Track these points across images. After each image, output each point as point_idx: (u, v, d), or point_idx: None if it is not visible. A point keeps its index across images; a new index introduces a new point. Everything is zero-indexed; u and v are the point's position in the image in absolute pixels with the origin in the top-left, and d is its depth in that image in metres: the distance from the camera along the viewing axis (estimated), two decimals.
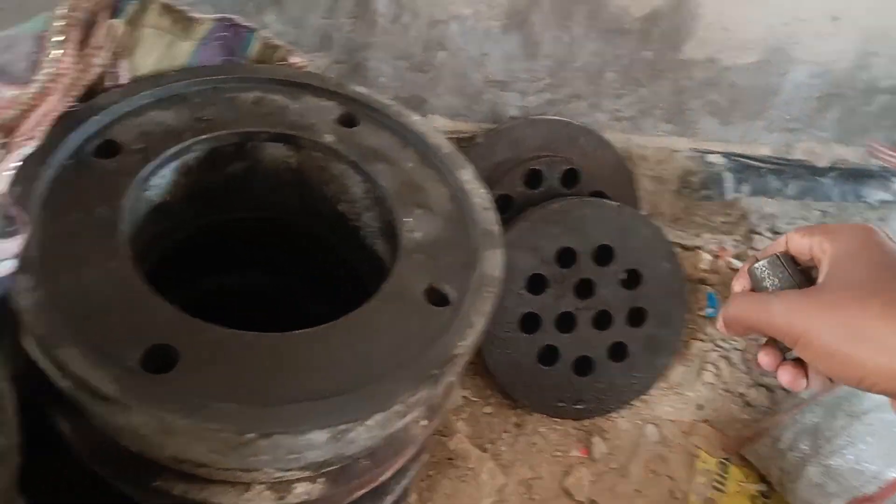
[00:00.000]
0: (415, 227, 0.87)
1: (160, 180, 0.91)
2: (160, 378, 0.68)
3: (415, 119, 0.98)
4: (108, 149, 0.86)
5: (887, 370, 0.53)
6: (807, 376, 0.64)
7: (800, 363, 0.64)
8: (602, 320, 1.48)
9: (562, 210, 1.42)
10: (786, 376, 0.64)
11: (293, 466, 0.77)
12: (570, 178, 1.53)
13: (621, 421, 1.53)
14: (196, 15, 0.92)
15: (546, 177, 1.51)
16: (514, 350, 1.46)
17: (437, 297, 0.81)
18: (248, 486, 0.80)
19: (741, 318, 0.62)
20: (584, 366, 1.48)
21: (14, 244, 0.66)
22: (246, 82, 0.97)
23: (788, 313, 0.58)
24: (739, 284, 0.68)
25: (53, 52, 0.82)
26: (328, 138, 0.94)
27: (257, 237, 1.08)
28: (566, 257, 1.44)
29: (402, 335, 0.77)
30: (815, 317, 0.56)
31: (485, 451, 1.40)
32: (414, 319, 0.79)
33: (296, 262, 1.11)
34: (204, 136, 0.90)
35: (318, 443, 0.70)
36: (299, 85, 0.98)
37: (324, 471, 0.81)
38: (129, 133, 0.88)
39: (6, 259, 0.67)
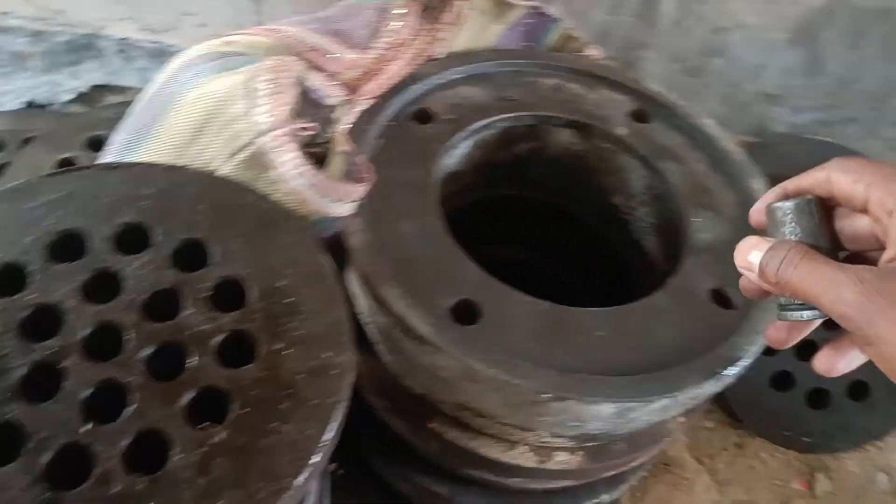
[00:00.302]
0: (702, 229, 0.88)
1: (459, 150, 0.97)
2: (467, 329, 0.74)
3: (707, 122, 0.98)
4: (424, 116, 0.93)
5: None
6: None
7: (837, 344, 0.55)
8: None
9: None
10: (824, 360, 0.55)
11: (565, 434, 0.80)
12: None
13: (850, 462, 1.45)
14: (512, 1, 0.98)
15: None
16: (748, 369, 1.42)
17: (722, 300, 0.82)
18: (513, 444, 0.85)
19: (801, 289, 0.51)
20: (819, 398, 1.41)
21: (360, 190, 0.74)
22: (547, 69, 1.01)
23: (864, 309, 0.47)
24: (755, 219, 0.59)
25: (393, 23, 0.90)
26: (621, 131, 0.96)
27: (526, 215, 1.12)
28: None
29: (687, 330, 0.78)
30: (890, 321, 0.45)
31: (702, 464, 1.38)
32: (699, 317, 0.80)
33: (557, 242, 1.15)
34: (507, 115, 0.96)
35: (603, 415, 0.73)
36: (597, 77, 1.02)
37: (586, 444, 0.84)
38: (441, 104, 0.95)
39: (351, 202, 0.74)
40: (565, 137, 1.01)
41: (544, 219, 1.12)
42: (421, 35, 0.88)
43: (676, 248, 0.92)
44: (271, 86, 0.71)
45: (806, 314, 0.55)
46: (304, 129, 0.71)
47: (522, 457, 0.84)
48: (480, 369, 0.70)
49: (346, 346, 0.66)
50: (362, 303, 0.80)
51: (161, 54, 1.54)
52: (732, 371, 0.76)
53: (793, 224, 0.55)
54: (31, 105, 1.73)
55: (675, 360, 0.75)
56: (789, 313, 0.56)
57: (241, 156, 0.73)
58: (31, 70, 1.66)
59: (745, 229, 0.88)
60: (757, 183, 0.92)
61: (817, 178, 0.55)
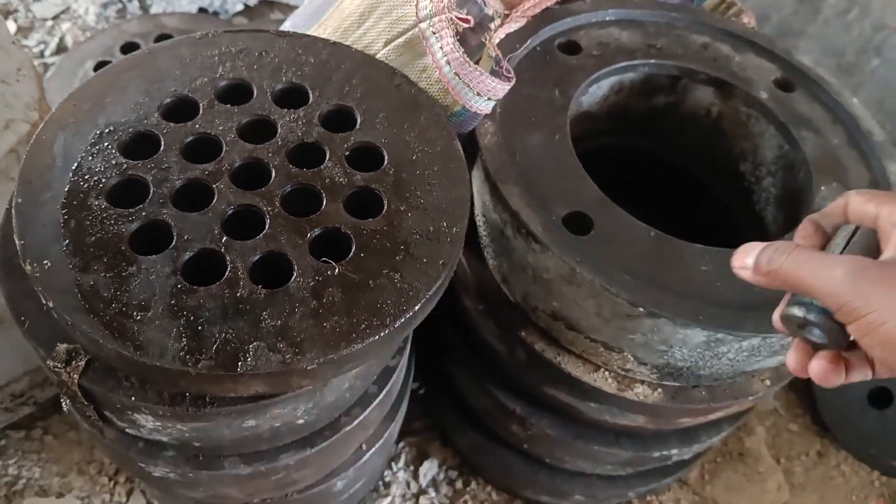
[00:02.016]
0: (828, 198, 0.87)
1: (597, 90, 1.00)
2: (577, 238, 0.77)
3: (853, 102, 0.97)
4: (571, 47, 0.96)
5: None
6: (846, 369, 0.55)
7: (836, 355, 0.55)
8: None
9: None
10: (818, 369, 0.55)
11: (649, 362, 0.82)
12: None
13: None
14: None
15: None
16: None
17: None
18: (597, 367, 0.87)
19: (792, 274, 0.53)
20: None
21: (504, 88, 0.78)
22: (699, 25, 1.02)
23: (854, 283, 0.49)
24: (801, 235, 0.59)
25: None
26: (762, 95, 0.97)
27: (647, 171, 1.14)
28: None
29: None
30: (889, 301, 0.48)
31: (778, 462, 1.36)
32: None
33: (672, 203, 1.16)
34: (652, 61, 0.98)
35: (692, 342, 0.75)
36: (747, 41, 1.02)
37: (667, 382, 0.86)
38: (590, 39, 0.98)
39: (490, 98, 0.79)
40: (705, 96, 1.02)
41: (665, 178, 1.13)
42: None
43: (797, 219, 0.92)
44: None
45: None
46: (463, 18, 0.75)
47: (604, 381, 0.86)
48: (582, 272, 0.73)
49: (461, 220, 0.71)
50: (480, 201, 0.85)
51: None
52: None
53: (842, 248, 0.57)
54: (203, 10, 1.86)
55: (773, 303, 0.76)
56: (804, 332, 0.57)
57: (400, 40, 0.79)
58: None
59: None
60: (894, 165, 0.90)
61: (839, 204, 0.59)
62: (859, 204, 0.57)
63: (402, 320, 0.64)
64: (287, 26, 0.99)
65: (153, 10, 1.85)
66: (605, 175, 1.12)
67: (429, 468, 1.27)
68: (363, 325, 0.63)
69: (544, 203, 0.79)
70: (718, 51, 1.01)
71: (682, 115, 1.05)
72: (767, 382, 0.90)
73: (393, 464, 1.27)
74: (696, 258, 0.79)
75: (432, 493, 1.25)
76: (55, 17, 1.86)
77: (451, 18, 0.74)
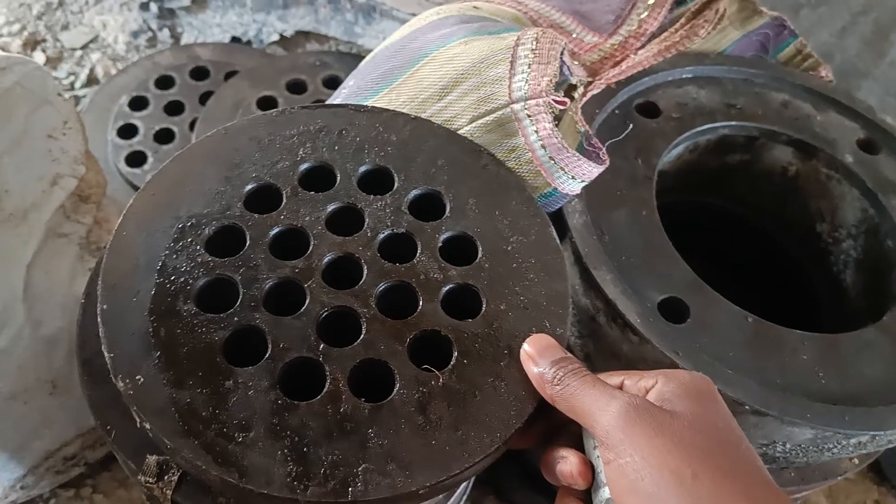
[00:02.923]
0: None
1: (674, 150, 0.96)
2: (674, 326, 0.74)
3: None
4: (650, 110, 0.93)
5: None
6: None
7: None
8: None
9: None
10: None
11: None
12: None
13: None
14: (763, 9, 0.96)
15: None
16: None
17: None
18: None
19: (571, 396, 0.55)
20: None
21: (597, 171, 0.75)
22: (777, 82, 0.99)
23: (622, 423, 0.50)
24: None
25: (639, 13, 0.90)
26: (847, 158, 0.93)
27: (720, 228, 1.10)
28: None
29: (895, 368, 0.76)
30: (659, 447, 0.47)
31: None
32: None
33: (745, 263, 1.12)
34: (732, 123, 0.94)
35: (797, 439, 0.72)
36: (828, 99, 0.98)
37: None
38: (668, 100, 0.94)
39: (583, 181, 0.76)
40: (783, 156, 0.99)
41: (740, 236, 1.10)
42: (676, 28, 0.88)
43: (884, 286, 0.89)
44: (536, 55, 0.72)
45: None
46: (560, 102, 0.72)
47: None
48: (682, 365, 0.70)
49: (564, 318, 0.67)
50: (573, 283, 0.81)
51: (370, 10, 1.60)
52: None
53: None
54: (236, 40, 1.83)
55: (883, 399, 0.73)
56: None
57: (489, 118, 0.75)
58: (244, 7, 1.76)
59: None
60: None
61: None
62: (610, 379, 0.57)
63: (511, 433, 0.61)
64: (349, 85, 0.96)
65: (184, 40, 1.82)
66: (678, 234, 1.09)
67: None
68: (472, 443, 0.60)
69: (637, 288, 0.75)
70: (800, 109, 0.98)
71: (757, 173, 1.01)
72: (856, 461, 0.87)
73: None
74: (795, 345, 0.75)
75: None
76: (84, 47, 1.82)
77: (549, 102, 0.71)
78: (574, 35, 0.90)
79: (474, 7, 0.89)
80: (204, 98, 1.59)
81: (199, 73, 1.66)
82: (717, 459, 0.48)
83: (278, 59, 1.66)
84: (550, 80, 0.71)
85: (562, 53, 0.73)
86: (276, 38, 1.76)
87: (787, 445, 0.74)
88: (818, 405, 0.70)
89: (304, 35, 1.77)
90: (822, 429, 0.70)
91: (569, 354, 0.60)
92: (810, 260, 1.03)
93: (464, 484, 0.86)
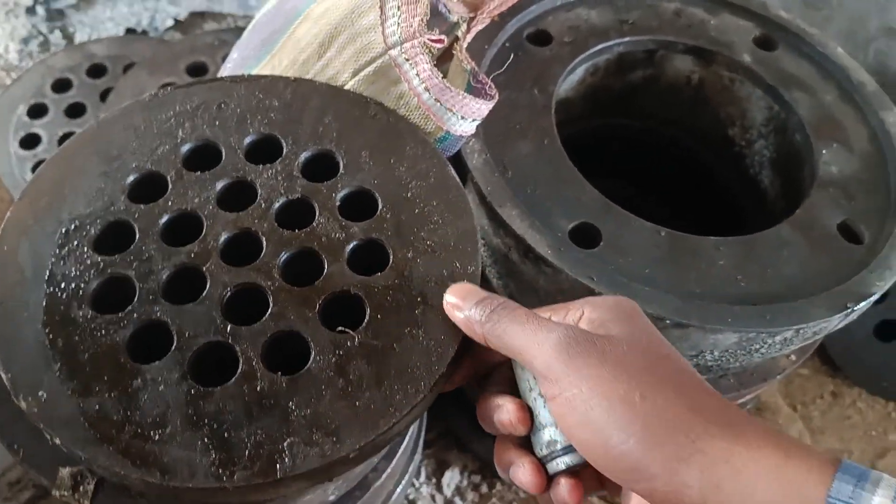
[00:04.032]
0: (831, 161, 0.85)
1: (573, 76, 0.95)
2: (587, 252, 0.73)
3: (839, 52, 0.93)
4: (541, 38, 0.91)
5: (674, 472, 0.44)
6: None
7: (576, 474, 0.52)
8: None
9: None
10: (565, 495, 0.52)
11: None
12: None
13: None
14: None
15: None
16: None
17: (850, 234, 0.79)
18: None
19: (504, 333, 0.52)
20: None
21: (486, 108, 0.73)
22: None
23: (566, 347, 0.48)
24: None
25: None
26: (745, 58, 0.93)
27: (634, 147, 1.10)
28: None
29: (812, 263, 0.76)
30: (602, 374, 0.47)
31: (795, 410, 1.36)
32: (825, 251, 0.77)
33: (663, 177, 1.13)
34: (626, 39, 0.93)
35: (723, 344, 0.72)
36: (720, 1, 0.98)
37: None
38: (559, 25, 0.93)
39: (474, 119, 0.74)
40: (684, 65, 0.98)
41: (653, 152, 1.10)
42: None
43: (798, 182, 0.89)
44: None
45: (566, 460, 0.52)
46: (436, 40, 0.70)
47: None
48: (601, 292, 0.69)
49: (474, 256, 0.66)
50: (482, 224, 0.80)
51: None
52: (862, 306, 0.73)
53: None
54: (131, 31, 1.76)
55: (801, 293, 0.73)
56: (551, 464, 0.53)
57: (370, 69, 0.73)
58: None
59: (877, 165, 0.85)
60: (891, 116, 0.88)
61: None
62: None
63: (436, 380, 0.60)
64: (233, 58, 0.92)
65: (78, 39, 1.75)
66: (591, 159, 1.08)
67: (451, 478, 1.24)
68: (398, 396, 0.59)
69: (546, 219, 0.75)
70: (693, 16, 0.97)
71: (663, 87, 1.01)
72: (793, 358, 0.88)
73: (415, 480, 1.24)
74: (711, 252, 0.75)
75: (459, 503, 1.23)
76: None
77: (424, 42, 0.69)
78: None
79: None
80: (105, 95, 1.53)
81: (97, 71, 1.59)
82: (659, 377, 0.47)
83: (176, 44, 1.60)
84: (422, 20, 0.69)
85: None
86: (171, 23, 1.70)
87: (716, 353, 0.74)
88: (738, 308, 0.70)
89: (199, 16, 1.71)
90: (745, 331, 0.70)
91: (492, 294, 0.58)
92: (728, 166, 1.03)
93: (411, 437, 0.85)
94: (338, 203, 0.68)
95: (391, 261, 0.65)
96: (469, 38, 0.82)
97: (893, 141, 0.86)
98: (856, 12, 1.31)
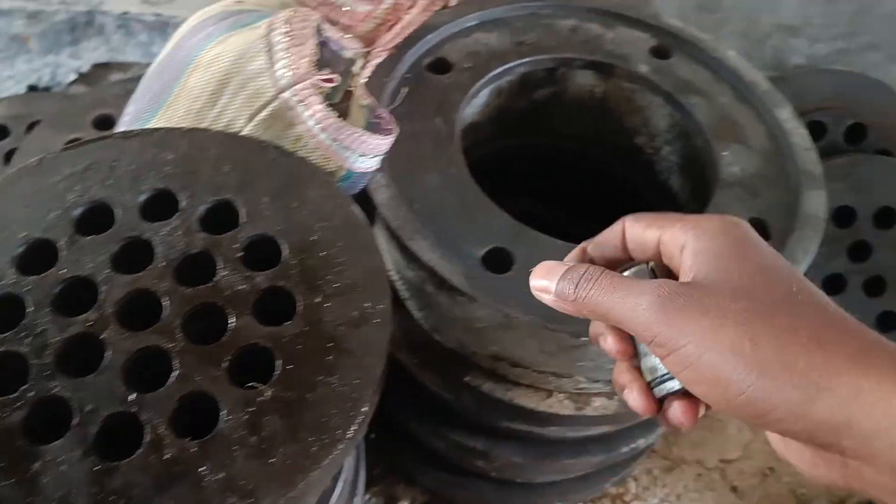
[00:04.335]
0: (733, 162, 0.86)
1: (478, 100, 0.95)
2: (500, 277, 0.73)
3: (730, 54, 0.96)
4: (441, 66, 0.91)
5: (806, 410, 0.41)
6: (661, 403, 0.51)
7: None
8: (874, 286, 1.40)
9: (845, 166, 1.35)
10: (680, 416, 0.49)
11: (602, 378, 0.80)
12: (856, 133, 1.44)
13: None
14: None
15: (830, 130, 1.43)
16: None
17: (758, 231, 0.80)
18: (551, 392, 0.84)
19: (600, 305, 0.49)
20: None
21: (387, 143, 0.72)
22: (563, 10, 0.99)
23: (663, 311, 0.45)
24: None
25: None
26: (642, 68, 0.94)
27: (547, 164, 1.11)
28: (844, 216, 1.37)
29: None
30: (706, 328, 0.44)
31: None
32: None
33: (578, 192, 1.13)
34: (525, 59, 0.93)
35: (641, 353, 0.72)
36: (615, 15, 0.99)
37: None
38: (458, 52, 0.93)
39: (378, 155, 0.73)
40: (586, 80, 0.99)
41: (565, 167, 1.11)
42: None
43: (704, 184, 0.91)
44: (290, 37, 0.69)
45: (668, 386, 0.50)
46: (327, 80, 0.69)
47: (560, 405, 0.83)
48: (517, 316, 0.69)
49: (384, 294, 0.65)
50: (390, 258, 0.79)
51: (164, 27, 1.52)
52: None
53: None
54: (33, 89, 1.71)
55: None
56: (657, 388, 0.52)
57: (264, 113, 0.72)
58: (30, 53, 1.64)
59: (776, 161, 0.87)
60: (784, 112, 0.90)
61: (614, 230, 0.55)
62: (639, 231, 0.53)
63: (355, 426, 0.59)
64: (129, 112, 0.90)
65: None
66: (505, 179, 1.08)
67: None
68: (314, 448, 0.57)
69: (457, 248, 0.74)
70: (589, 31, 0.98)
71: (568, 103, 1.01)
72: None
73: None
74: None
75: None
76: None
77: (315, 83, 0.68)
78: (346, 7, 0.87)
79: (237, 1, 0.85)
80: (9, 157, 1.48)
81: None
82: (770, 317, 0.44)
83: (80, 98, 1.56)
84: (311, 61, 0.68)
85: (318, 30, 0.70)
86: (74, 77, 1.65)
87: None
88: None
89: (104, 67, 1.67)
90: None
91: (574, 263, 0.54)
92: (639, 175, 1.05)
93: (346, 482, 0.83)
94: (240, 254, 0.67)
95: (299, 308, 0.64)
96: (367, 73, 0.82)
97: (788, 136, 0.88)
98: (748, 12, 1.35)
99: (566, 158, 1.10)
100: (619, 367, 0.54)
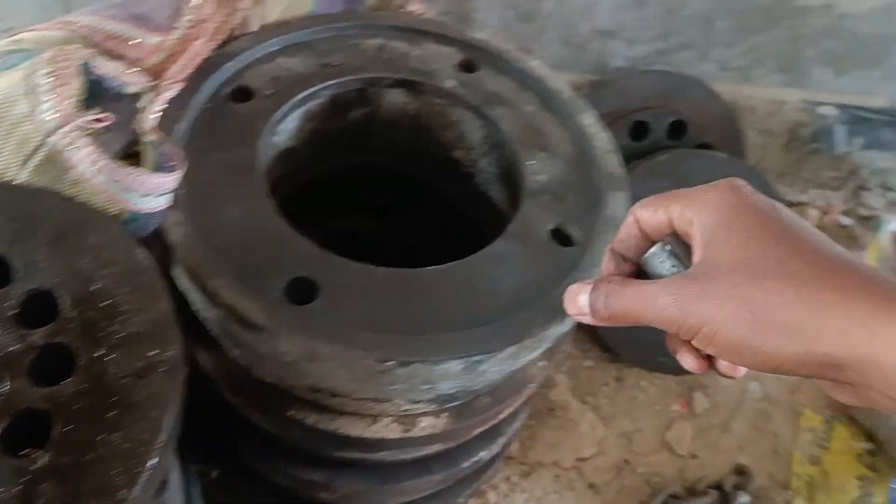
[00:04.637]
0: (538, 170, 0.88)
1: (287, 125, 0.94)
2: (304, 308, 0.71)
3: (534, 64, 0.98)
4: (243, 93, 0.89)
5: (808, 358, 0.47)
6: (711, 360, 0.57)
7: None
8: None
9: (669, 162, 1.41)
10: (689, 361, 0.57)
11: (423, 399, 0.80)
12: (677, 130, 1.51)
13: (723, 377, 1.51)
14: None
15: (653, 129, 1.49)
16: None
17: (563, 238, 0.82)
18: (376, 418, 0.83)
19: (629, 313, 0.55)
20: None
21: (172, 180, 0.70)
22: (368, 29, 0.99)
23: (679, 305, 0.51)
24: (607, 268, 0.61)
25: (194, 0, 0.85)
26: (449, 83, 0.95)
27: (373, 183, 1.10)
28: None
29: (530, 273, 0.79)
30: (712, 308, 0.50)
31: (585, 403, 1.41)
32: (541, 258, 0.80)
33: (408, 207, 1.14)
34: (331, 82, 0.93)
35: (452, 373, 0.72)
36: (420, 31, 1.00)
37: (448, 405, 0.84)
38: (260, 79, 0.91)
39: (164, 193, 0.70)
40: (399, 98, 0.99)
41: (391, 185, 1.11)
42: (220, 7, 0.84)
43: (519, 193, 0.92)
44: (54, 78, 0.65)
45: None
46: (96, 120, 0.66)
47: (387, 429, 0.83)
48: (320, 347, 0.68)
49: (172, 340, 0.63)
50: (195, 298, 0.77)
51: None
52: None
53: (671, 261, 0.56)
54: None
55: (520, 306, 0.75)
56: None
57: (36, 159, 0.68)
58: None
59: (581, 167, 0.90)
60: (587, 118, 0.93)
61: (628, 223, 0.59)
62: (649, 216, 0.57)
63: (140, 483, 0.56)
64: None
65: None
66: (331, 201, 1.07)
67: None
68: None
69: (259, 280, 0.72)
70: (395, 50, 0.98)
71: (383, 122, 1.01)
72: (542, 364, 0.90)
73: None
74: (432, 283, 0.76)
75: None
76: None
77: (82, 125, 0.65)
78: (136, 40, 0.83)
79: (13, 41, 0.80)
80: None
81: None
82: (762, 282, 0.49)
83: None
84: (77, 101, 0.65)
85: (89, 67, 0.67)
86: None
87: (448, 382, 0.74)
88: (461, 335, 0.71)
89: None
90: (468, 356, 0.71)
91: (590, 280, 0.59)
92: (461, 187, 1.06)
93: None
94: (14, 311, 0.63)
95: (80, 363, 0.61)
96: (157, 107, 0.79)
97: (591, 141, 0.90)
98: (566, 20, 1.40)
99: (390, 175, 1.10)
100: (669, 337, 0.58)
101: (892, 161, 1.84)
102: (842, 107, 1.72)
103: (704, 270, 0.52)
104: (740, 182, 0.54)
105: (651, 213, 0.57)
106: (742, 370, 0.56)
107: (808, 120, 1.72)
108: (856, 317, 0.46)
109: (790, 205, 1.77)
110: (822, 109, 1.71)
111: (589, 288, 0.58)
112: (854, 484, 1.46)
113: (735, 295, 0.49)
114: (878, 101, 1.74)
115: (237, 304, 0.70)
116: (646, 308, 0.53)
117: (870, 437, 1.52)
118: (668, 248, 0.56)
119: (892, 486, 0.47)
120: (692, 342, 0.52)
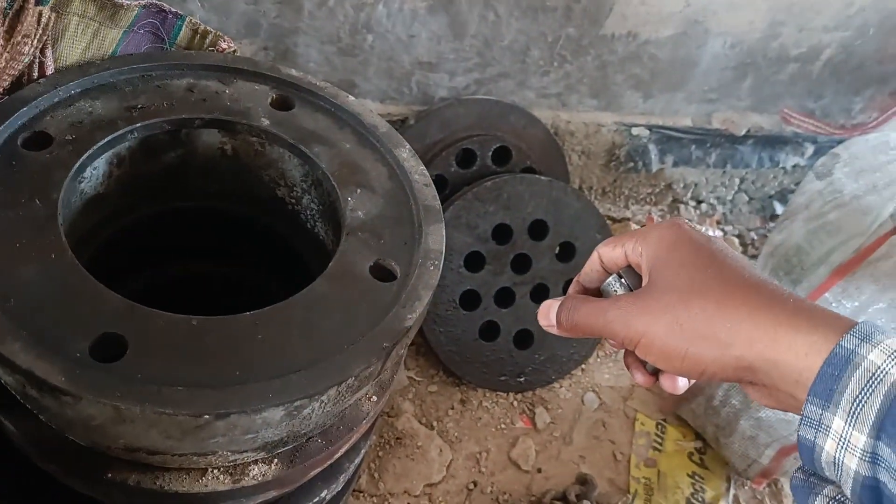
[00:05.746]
0: (357, 207, 0.88)
1: (93, 171, 0.89)
2: (110, 367, 0.68)
3: (350, 100, 0.98)
4: (39, 141, 0.84)
5: (725, 362, 0.57)
6: (656, 375, 0.68)
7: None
8: (539, 293, 1.52)
9: (496, 187, 1.45)
10: (638, 377, 0.68)
11: (248, 448, 0.77)
12: (502, 155, 1.56)
13: (562, 391, 1.57)
14: (122, 1, 0.91)
15: (478, 156, 1.53)
16: (456, 328, 1.49)
17: (383, 273, 0.83)
18: (203, 471, 0.80)
19: (586, 324, 0.66)
20: (524, 339, 1.51)
21: None
22: (177, 69, 0.96)
23: (624, 319, 0.62)
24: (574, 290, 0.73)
25: None
26: (264, 122, 0.94)
27: (199, 225, 1.07)
28: (502, 234, 1.47)
29: (351, 311, 0.78)
30: (649, 321, 0.60)
31: (432, 428, 1.42)
32: (362, 296, 0.80)
33: (240, 248, 1.11)
34: (138, 124, 0.89)
35: (273, 421, 0.71)
36: (232, 70, 0.98)
37: (278, 451, 0.82)
38: (59, 124, 0.86)
39: None
40: (214, 138, 0.97)
41: (218, 227, 1.08)
42: (4, 52, 0.79)
43: (339, 230, 0.92)
44: None
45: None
46: None
47: (216, 481, 0.80)
48: (127, 408, 0.64)
49: None
50: None
51: None
52: (402, 342, 0.77)
53: (622, 289, 0.68)
54: None
55: (342, 346, 0.75)
56: (650, 366, 0.67)
57: None
58: None
59: (399, 201, 0.91)
60: (403, 152, 0.94)
61: (592, 260, 0.70)
62: (608, 252, 0.68)
63: None
64: None
65: None
66: (155, 247, 1.02)
67: None
68: None
69: (60, 343, 0.67)
70: (206, 89, 0.96)
71: (202, 163, 0.99)
72: (374, 399, 0.90)
73: None
74: (250, 331, 0.74)
75: None
76: None
77: None
78: None
79: None
80: None
81: None
82: (689, 302, 0.59)
83: None
84: None
85: None
86: None
87: (271, 430, 0.73)
88: (279, 382, 0.69)
89: None
90: (289, 402, 0.69)
91: (557, 299, 0.70)
92: (287, 225, 1.04)
93: None
94: None
95: None
96: None
97: (409, 174, 0.92)
98: (387, 53, 1.42)
99: (215, 216, 1.07)
100: (625, 354, 0.70)
101: (700, 175, 1.99)
102: (652, 127, 1.84)
103: (647, 292, 0.62)
104: (681, 220, 0.65)
105: (610, 250, 0.68)
106: (682, 386, 0.66)
107: (624, 141, 1.83)
108: (761, 326, 0.56)
109: (614, 221, 1.88)
110: (636, 130, 1.83)
111: (556, 307, 0.69)
112: (687, 481, 1.55)
113: (668, 311, 0.59)
114: (685, 121, 1.88)
115: (35, 367, 0.65)
116: (598, 320, 0.64)
117: (698, 435, 1.62)
118: (622, 279, 0.68)
119: (796, 474, 0.56)
120: (635, 352, 0.62)
